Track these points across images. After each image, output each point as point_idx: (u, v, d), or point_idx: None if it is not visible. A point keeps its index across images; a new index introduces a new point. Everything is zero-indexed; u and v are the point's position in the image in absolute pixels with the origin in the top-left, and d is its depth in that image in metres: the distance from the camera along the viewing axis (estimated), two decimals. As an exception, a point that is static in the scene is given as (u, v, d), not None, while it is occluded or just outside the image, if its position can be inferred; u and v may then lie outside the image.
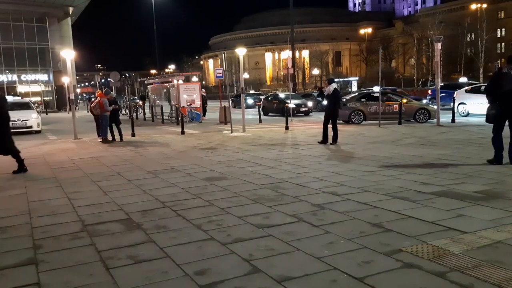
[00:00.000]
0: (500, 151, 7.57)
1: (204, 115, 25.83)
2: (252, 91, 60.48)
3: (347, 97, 19.18)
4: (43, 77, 46.48)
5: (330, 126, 11.59)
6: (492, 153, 7.69)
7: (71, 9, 47.41)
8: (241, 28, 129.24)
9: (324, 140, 11.53)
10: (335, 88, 11.37)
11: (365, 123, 17.51)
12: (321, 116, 24.24)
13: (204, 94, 28.18)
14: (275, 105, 26.55)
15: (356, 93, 20.96)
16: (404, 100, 18.01)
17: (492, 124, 7.71)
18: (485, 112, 7.97)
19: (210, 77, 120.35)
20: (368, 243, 4.02)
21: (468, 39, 63.28)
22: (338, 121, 17.50)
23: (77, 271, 3.68)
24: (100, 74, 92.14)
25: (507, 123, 7.53)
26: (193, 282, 3.37)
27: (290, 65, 24.56)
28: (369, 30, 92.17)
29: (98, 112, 13.65)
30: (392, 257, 3.69)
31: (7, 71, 44.57)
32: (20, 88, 44.77)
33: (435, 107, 17.62)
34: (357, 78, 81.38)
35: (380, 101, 16.94)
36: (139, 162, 9.57)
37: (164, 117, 23.54)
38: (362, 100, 18.22)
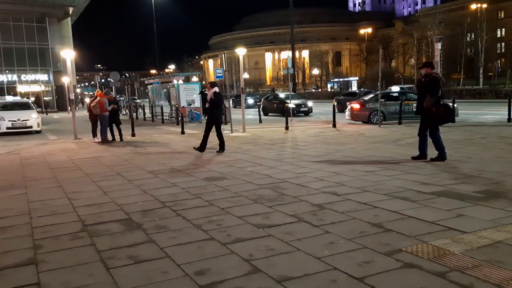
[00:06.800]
0: (443, 149, 8.24)
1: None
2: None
3: (366, 98, 18.72)
4: (43, 77, 46.42)
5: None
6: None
7: (71, 9, 47.35)
8: (241, 28, 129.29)
9: (201, 148, 10.44)
10: (217, 92, 10.55)
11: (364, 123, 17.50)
12: (321, 116, 24.32)
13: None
14: (275, 105, 26.52)
15: (374, 94, 20.42)
16: None
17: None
18: None
19: (210, 77, 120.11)
20: (368, 243, 4.02)
21: (468, 39, 63.20)
22: (357, 122, 17.47)
23: (77, 271, 3.68)
24: (100, 74, 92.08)
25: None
26: (193, 282, 3.37)
27: (290, 65, 24.51)
28: (369, 30, 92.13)
29: (98, 111, 13.61)
30: (392, 257, 3.69)
31: (7, 71, 44.49)
32: (20, 88, 44.69)
33: (455, 105, 17.90)
34: (357, 78, 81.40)
35: (380, 99, 16.88)
36: (139, 162, 9.57)
37: (164, 117, 23.55)
38: (381, 100, 17.59)
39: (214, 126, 10.57)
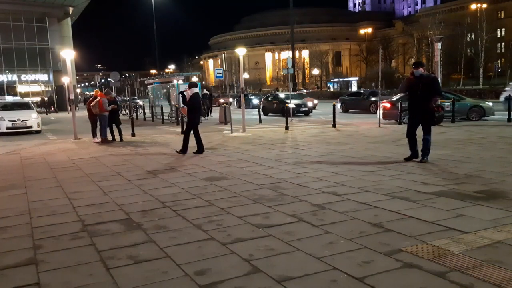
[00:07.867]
0: (429, 151, 8.25)
1: (209, 114, 25.75)
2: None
3: (395, 97, 18.20)
4: (43, 77, 46.43)
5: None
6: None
7: (71, 9, 47.36)
8: (241, 28, 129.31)
9: (199, 150, 10.44)
10: (195, 93, 10.23)
11: (364, 123, 17.49)
12: (321, 116, 24.31)
13: (207, 92, 28.09)
14: (275, 105, 26.52)
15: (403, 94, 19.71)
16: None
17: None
18: None
19: (210, 77, 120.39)
20: (368, 243, 4.02)
21: (468, 39, 63.21)
22: (390, 120, 17.27)
23: (77, 271, 3.68)
24: (100, 74, 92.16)
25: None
26: (193, 282, 3.37)
27: (290, 65, 24.51)
28: (369, 30, 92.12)
29: (97, 111, 13.60)
30: (392, 257, 3.69)
31: (7, 71, 44.49)
32: (20, 88, 44.68)
33: (491, 104, 17.35)
34: (357, 78, 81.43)
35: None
36: (139, 162, 9.57)
37: (164, 117, 23.54)
38: None
39: (191, 129, 10.45)
